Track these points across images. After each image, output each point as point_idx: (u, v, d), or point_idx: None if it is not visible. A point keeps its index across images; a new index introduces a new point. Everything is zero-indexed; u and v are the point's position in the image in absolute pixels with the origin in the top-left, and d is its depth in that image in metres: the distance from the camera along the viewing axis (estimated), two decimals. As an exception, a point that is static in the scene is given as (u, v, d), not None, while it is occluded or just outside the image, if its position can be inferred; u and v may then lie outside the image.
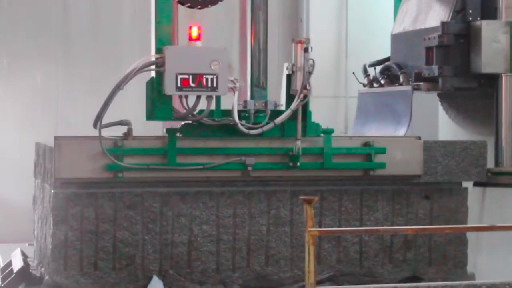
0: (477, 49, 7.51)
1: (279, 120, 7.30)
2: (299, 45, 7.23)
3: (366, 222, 7.74)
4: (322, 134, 7.44)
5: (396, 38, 9.40)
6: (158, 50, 7.09)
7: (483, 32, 7.29)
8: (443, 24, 7.95)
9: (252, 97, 7.51)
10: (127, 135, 7.17)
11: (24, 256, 8.19)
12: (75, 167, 7.05)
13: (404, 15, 9.29)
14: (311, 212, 5.93)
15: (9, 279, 7.54)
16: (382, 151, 7.47)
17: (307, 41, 7.24)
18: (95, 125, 7.04)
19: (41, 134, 9.89)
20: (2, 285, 7.47)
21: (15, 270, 7.68)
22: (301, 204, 6.36)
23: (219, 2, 7.33)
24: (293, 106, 7.28)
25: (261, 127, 7.28)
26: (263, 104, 7.32)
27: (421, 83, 8.59)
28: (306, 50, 7.22)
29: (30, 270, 7.77)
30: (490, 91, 8.15)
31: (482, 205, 8.21)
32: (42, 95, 11.75)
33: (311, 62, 7.24)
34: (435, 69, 8.16)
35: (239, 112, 7.33)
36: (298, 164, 7.31)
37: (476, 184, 7.96)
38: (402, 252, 7.81)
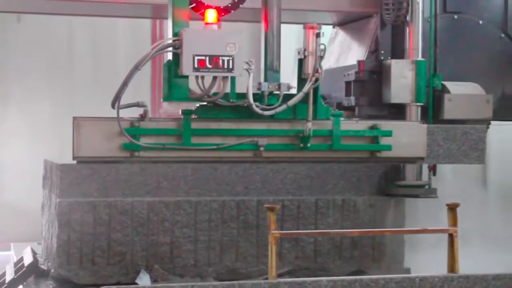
0: (387, 83, 7.50)
1: (291, 102, 6.68)
2: (311, 30, 6.61)
3: (320, 226, 7.70)
4: (331, 117, 6.91)
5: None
6: (175, 34, 6.42)
7: (392, 69, 7.28)
8: (360, 62, 7.96)
9: (265, 80, 6.85)
10: (144, 116, 6.56)
11: (34, 253, 8.18)
12: (93, 146, 6.52)
13: (330, 55, 9.33)
14: (274, 217, 5.96)
15: (20, 272, 7.52)
16: (389, 133, 6.97)
17: (319, 27, 6.65)
18: (113, 105, 6.41)
19: (49, 152, 9.86)
20: (15, 277, 7.46)
21: (26, 265, 7.66)
22: (266, 211, 6.36)
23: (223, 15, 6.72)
24: (305, 89, 6.67)
25: (274, 108, 6.66)
26: (277, 87, 6.70)
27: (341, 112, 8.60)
28: (318, 35, 6.62)
29: (39, 265, 7.73)
30: (399, 118, 8.15)
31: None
32: (50, 121, 11.77)
33: (322, 47, 6.65)
34: (352, 99, 8.15)
35: (253, 94, 6.78)
36: (309, 145, 6.78)
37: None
38: (349, 251, 7.81)
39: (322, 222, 7.73)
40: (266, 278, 6.01)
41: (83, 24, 11.94)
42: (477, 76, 7.41)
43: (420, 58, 7.43)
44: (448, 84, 7.00)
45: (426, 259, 8.68)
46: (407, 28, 7.47)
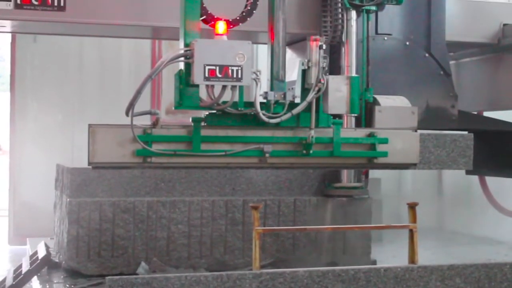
0: (326, 96, 7.16)
1: (296, 110, 6.10)
2: (314, 42, 6.12)
3: (298, 222, 7.71)
4: (332, 125, 6.31)
5: None
6: (186, 45, 5.84)
7: (330, 84, 7.00)
8: None
9: (271, 89, 6.28)
10: (155, 123, 5.95)
11: (47, 247, 8.14)
12: (108, 152, 5.86)
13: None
14: (257, 215, 5.87)
15: (35, 264, 7.52)
16: (385, 141, 6.41)
17: (322, 39, 6.19)
18: (127, 113, 5.78)
19: (61, 158, 9.87)
20: (31, 268, 7.44)
21: (40, 257, 7.64)
22: (250, 209, 6.31)
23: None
24: (309, 98, 6.10)
25: (279, 116, 6.06)
26: (282, 96, 6.11)
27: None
28: (321, 47, 6.11)
29: (51, 258, 7.72)
30: None
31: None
32: (62, 129, 11.70)
33: (325, 58, 6.12)
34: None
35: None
36: (311, 152, 6.20)
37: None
38: (323, 244, 7.81)
39: (299, 219, 7.73)
40: (251, 269, 5.97)
41: (92, 44, 11.92)
42: (404, 91, 7.29)
43: (354, 74, 7.29)
44: (378, 97, 6.83)
45: (389, 251, 8.69)
46: (343, 48, 7.36)
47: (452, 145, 6.71)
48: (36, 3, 6.71)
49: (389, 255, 8.98)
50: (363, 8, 6.74)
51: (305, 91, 6.20)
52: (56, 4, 6.77)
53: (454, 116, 7.34)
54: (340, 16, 6.76)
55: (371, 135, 6.39)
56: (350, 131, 6.38)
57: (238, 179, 7.71)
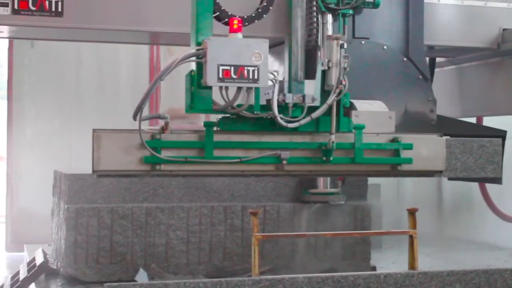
0: None
1: (315, 114, 5.66)
2: (335, 41, 5.79)
3: (297, 228, 7.69)
4: (353, 130, 5.90)
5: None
6: (198, 44, 5.40)
7: (306, 85, 6.95)
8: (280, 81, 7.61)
9: (289, 91, 5.89)
10: (164, 128, 5.45)
11: (45, 253, 8.15)
12: (114, 159, 5.37)
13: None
14: (256, 221, 5.83)
15: (33, 271, 7.51)
16: (410, 147, 6.03)
17: (343, 37, 5.85)
18: (135, 117, 5.35)
19: (59, 164, 9.85)
20: (28, 275, 7.43)
21: (37, 264, 7.64)
22: (249, 215, 6.29)
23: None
24: (329, 101, 5.71)
25: (298, 120, 5.62)
26: (301, 98, 5.69)
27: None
28: (342, 46, 5.79)
29: (49, 264, 7.73)
30: None
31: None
32: (59, 135, 11.71)
33: (346, 58, 5.79)
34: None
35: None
36: (331, 158, 5.75)
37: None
38: (323, 251, 7.81)
39: (298, 225, 7.72)
40: (250, 275, 5.95)
41: (90, 50, 11.92)
42: (382, 95, 7.23)
43: None
44: (355, 102, 6.72)
45: (389, 257, 8.68)
46: (319, 52, 7.30)
47: (479, 151, 6.44)
48: (33, 8, 6.69)
49: (389, 261, 8.99)
50: (339, 11, 6.66)
51: (324, 93, 5.82)
52: (53, 9, 6.75)
53: (433, 120, 7.29)
54: (315, 19, 6.63)
55: (394, 140, 6.05)
56: (372, 136, 6.00)
57: (237, 185, 7.71)
